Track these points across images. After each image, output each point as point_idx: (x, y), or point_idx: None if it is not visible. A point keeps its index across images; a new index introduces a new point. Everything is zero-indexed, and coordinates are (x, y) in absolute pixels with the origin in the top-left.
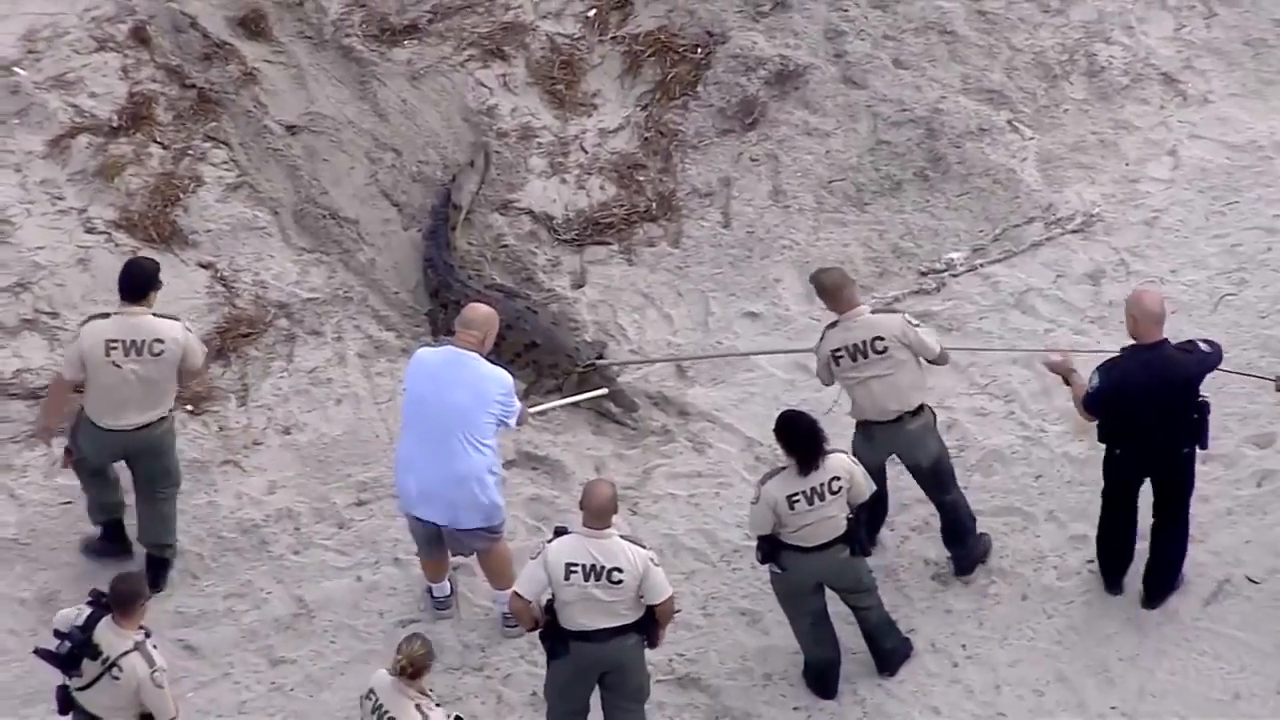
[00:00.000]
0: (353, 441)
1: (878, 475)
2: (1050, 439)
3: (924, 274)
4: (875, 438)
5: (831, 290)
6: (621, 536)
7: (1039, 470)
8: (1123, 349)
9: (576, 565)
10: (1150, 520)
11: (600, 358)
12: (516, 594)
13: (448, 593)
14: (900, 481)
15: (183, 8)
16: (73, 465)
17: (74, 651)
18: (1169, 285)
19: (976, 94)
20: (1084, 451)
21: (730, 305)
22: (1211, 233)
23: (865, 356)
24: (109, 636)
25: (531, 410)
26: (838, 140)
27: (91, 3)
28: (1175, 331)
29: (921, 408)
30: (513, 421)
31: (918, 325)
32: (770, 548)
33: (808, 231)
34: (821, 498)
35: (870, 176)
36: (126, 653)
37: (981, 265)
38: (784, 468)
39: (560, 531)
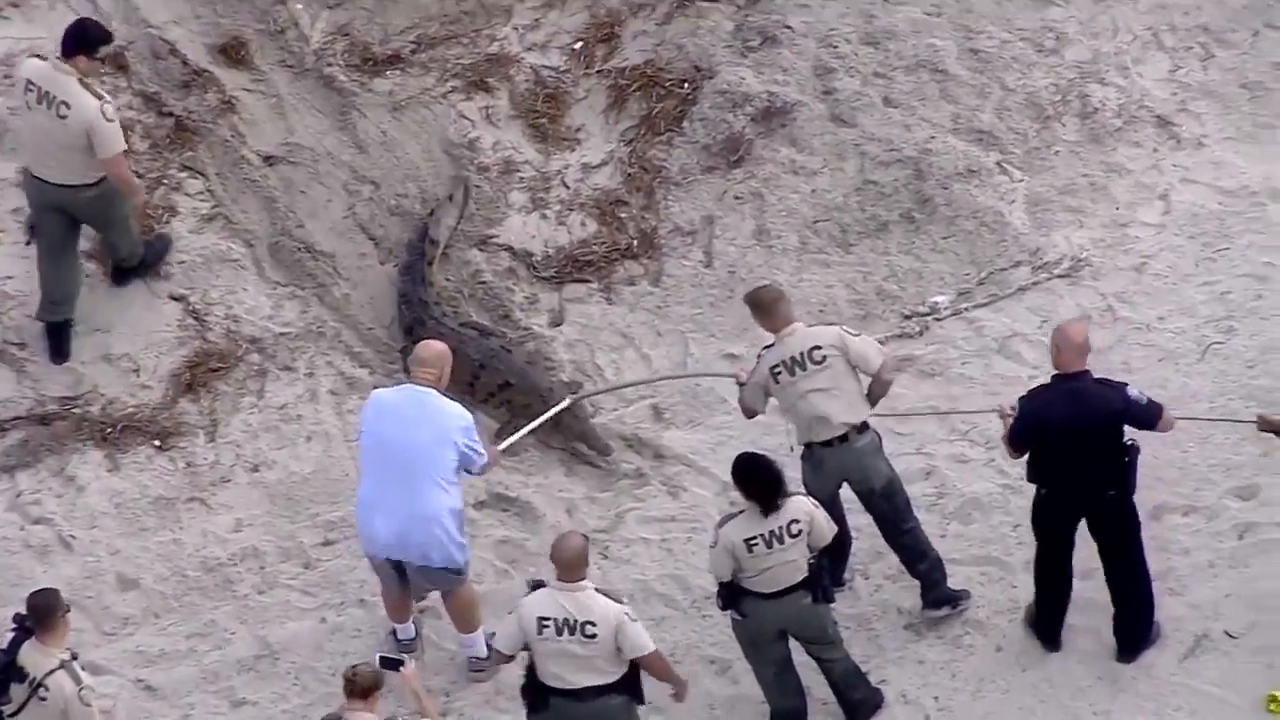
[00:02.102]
0: (322, 480)
1: (832, 507)
2: (1030, 487)
3: (908, 317)
4: (824, 462)
5: (768, 305)
6: (596, 589)
7: (1018, 519)
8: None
9: (549, 619)
10: (1101, 573)
11: (574, 394)
12: (497, 651)
13: (412, 635)
14: (875, 528)
15: (162, 34)
16: (33, 238)
17: None
18: (1156, 332)
19: (966, 134)
20: None
21: (709, 346)
22: (1201, 279)
23: (804, 368)
24: (34, 657)
25: (501, 447)
26: (824, 179)
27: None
28: (1160, 379)
29: (867, 426)
30: (476, 468)
31: (856, 335)
32: (730, 594)
33: (791, 272)
34: (780, 541)
35: (856, 217)
36: (52, 671)
37: (966, 309)
38: (742, 511)
39: (536, 585)
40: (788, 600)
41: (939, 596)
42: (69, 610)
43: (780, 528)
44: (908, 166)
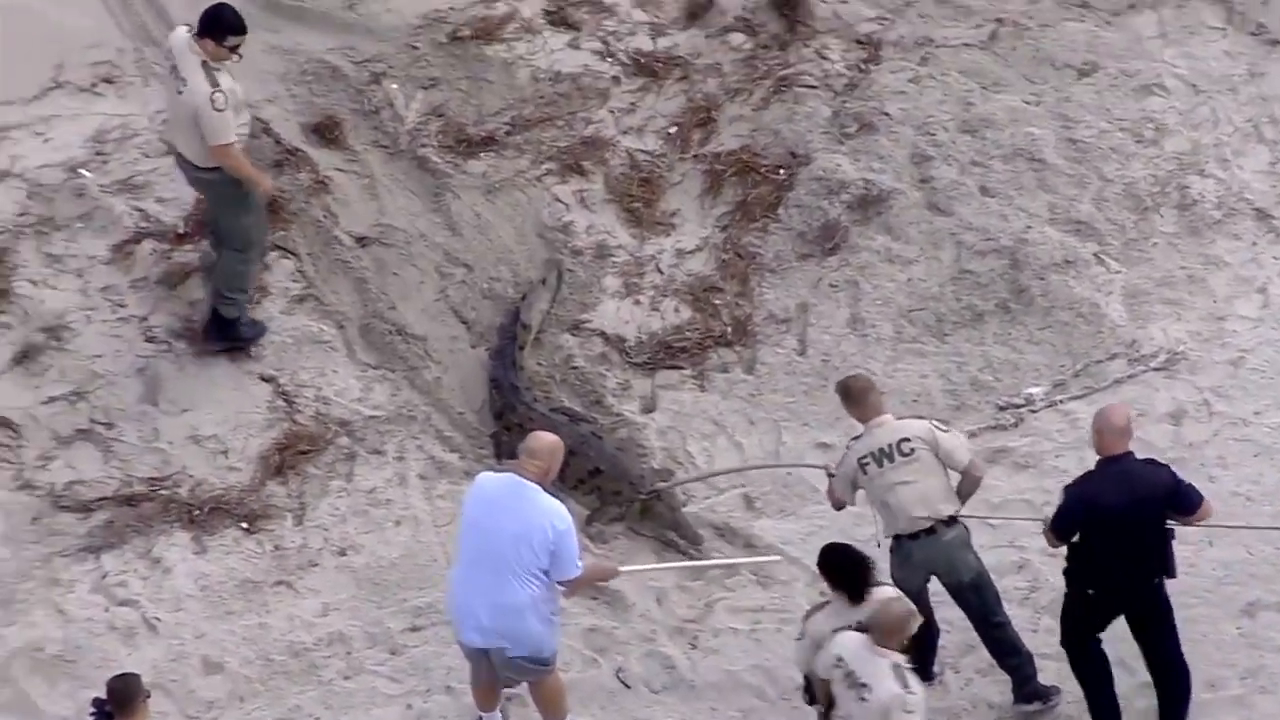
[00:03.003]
0: (410, 565)
1: (920, 599)
2: None
3: (1002, 408)
4: (912, 555)
5: (858, 394)
6: (898, 665)
7: None
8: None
9: (842, 661)
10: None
11: (665, 483)
12: (812, 672)
13: None
14: (966, 621)
15: (257, 113)
16: None
17: None
18: (1252, 427)
19: (1064, 224)
20: None
21: (803, 435)
22: None
23: (891, 460)
24: None
25: (624, 569)
26: (920, 268)
27: (163, 105)
28: (1255, 474)
29: (955, 520)
30: (566, 577)
31: (946, 430)
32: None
33: (885, 361)
34: None
35: (951, 306)
36: None
37: (1061, 401)
38: (829, 602)
39: (861, 627)
40: None
41: (1030, 691)
42: (149, 695)
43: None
44: (1004, 256)
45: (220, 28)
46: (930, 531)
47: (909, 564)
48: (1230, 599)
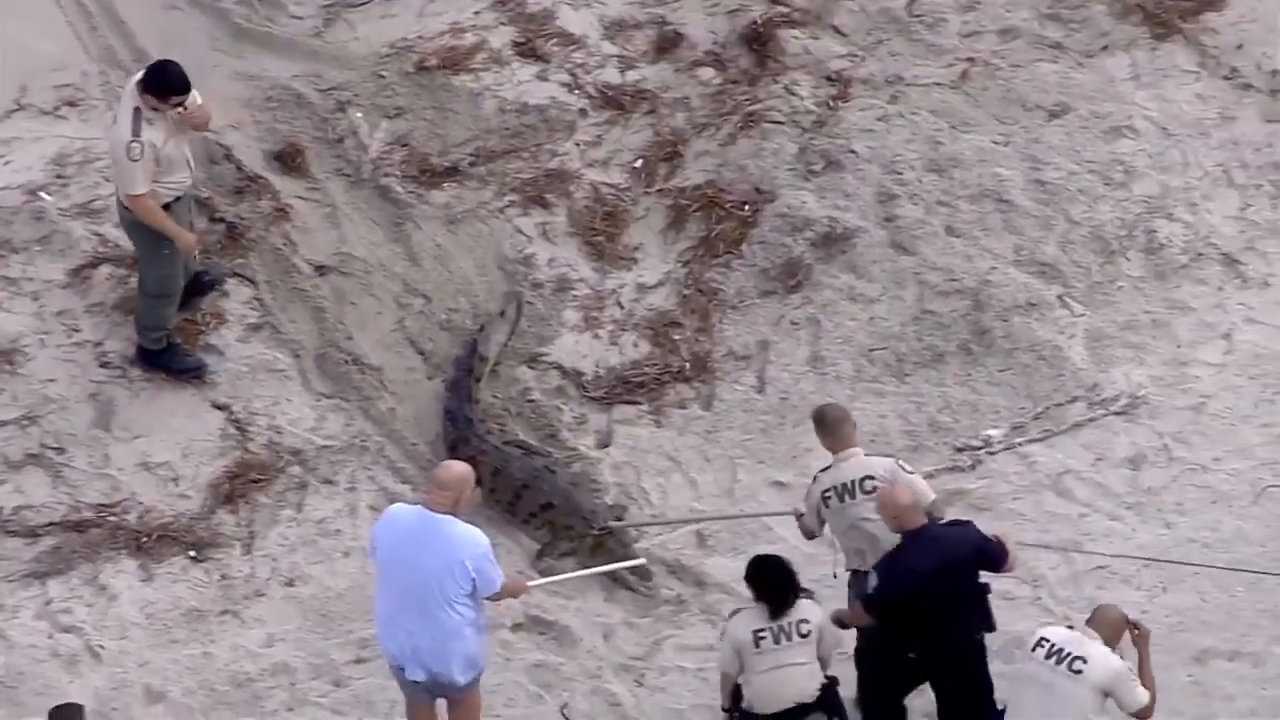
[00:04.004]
0: (358, 597)
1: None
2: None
3: (960, 450)
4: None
5: (832, 424)
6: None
7: None
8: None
9: (1046, 641)
10: None
11: (619, 520)
12: None
13: None
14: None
15: (219, 139)
16: None
17: None
18: (1210, 474)
19: (1028, 266)
20: None
21: (758, 473)
22: (1260, 421)
23: (853, 496)
24: None
25: (532, 584)
26: (882, 307)
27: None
28: (1213, 521)
29: None
30: (490, 592)
31: (911, 473)
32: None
33: (843, 400)
34: (789, 637)
35: (912, 346)
36: None
37: (1020, 444)
38: (754, 607)
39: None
40: None
41: None
42: None
43: (790, 624)
44: (967, 297)
45: (160, 85)
46: None
47: None
48: (1182, 646)
